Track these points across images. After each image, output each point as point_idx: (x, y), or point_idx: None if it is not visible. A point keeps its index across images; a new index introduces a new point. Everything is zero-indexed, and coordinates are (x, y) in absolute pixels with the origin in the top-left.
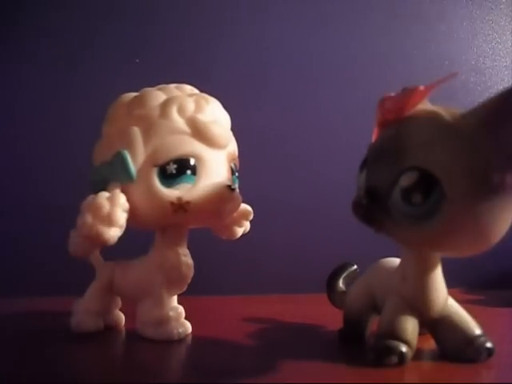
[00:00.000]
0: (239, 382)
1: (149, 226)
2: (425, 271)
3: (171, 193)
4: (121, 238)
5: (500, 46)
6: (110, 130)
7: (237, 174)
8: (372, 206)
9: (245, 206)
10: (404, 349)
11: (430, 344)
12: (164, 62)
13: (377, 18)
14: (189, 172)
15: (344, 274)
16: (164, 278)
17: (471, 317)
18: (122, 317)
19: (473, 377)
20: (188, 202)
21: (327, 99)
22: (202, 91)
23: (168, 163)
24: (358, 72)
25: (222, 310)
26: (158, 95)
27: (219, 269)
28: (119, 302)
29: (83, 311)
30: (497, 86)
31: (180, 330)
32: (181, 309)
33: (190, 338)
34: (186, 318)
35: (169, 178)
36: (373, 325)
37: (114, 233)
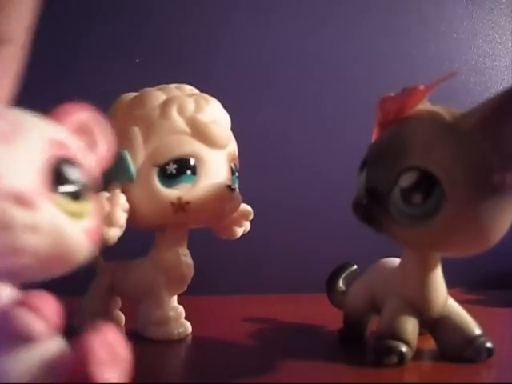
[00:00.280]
0: (239, 382)
1: (149, 226)
2: (425, 271)
3: (171, 193)
4: (121, 238)
5: (500, 46)
6: None
7: (237, 173)
8: (372, 206)
9: (245, 206)
10: (404, 349)
11: (430, 344)
12: (164, 62)
13: (377, 18)
14: (189, 172)
15: (344, 274)
16: (164, 278)
17: (471, 317)
18: (122, 317)
19: (473, 377)
20: (188, 202)
21: (327, 99)
22: (201, 91)
23: (168, 163)
24: (357, 72)
25: (222, 310)
26: (157, 95)
27: (219, 269)
28: (119, 302)
29: (84, 311)
30: (497, 86)
31: (180, 330)
32: (181, 309)
33: (189, 337)
34: (186, 318)
35: (169, 178)
36: (373, 325)
37: (114, 233)
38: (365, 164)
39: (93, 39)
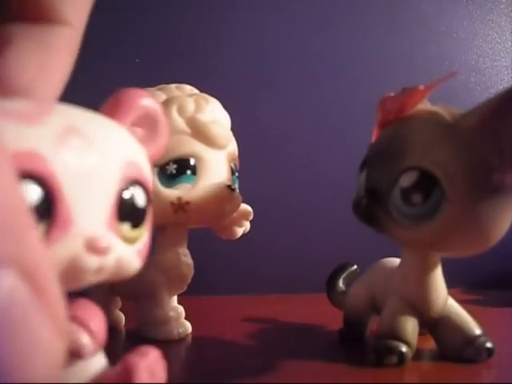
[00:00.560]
0: (239, 382)
1: None
2: (425, 271)
3: (171, 193)
4: None
5: (500, 46)
6: None
7: (237, 173)
8: (372, 206)
9: (245, 206)
10: (404, 349)
11: (430, 344)
12: (164, 62)
13: (377, 18)
14: (189, 172)
15: (344, 274)
16: (164, 278)
17: (471, 317)
18: (122, 317)
19: (473, 377)
20: (188, 202)
21: (327, 99)
22: (201, 91)
23: (168, 163)
24: (357, 72)
25: (222, 310)
26: (157, 95)
27: (219, 269)
28: (119, 302)
29: None
30: (497, 86)
31: (180, 330)
32: (181, 309)
33: (190, 337)
34: (186, 318)
35: (169, 178)
36: (373, 325)
37: None
38: (365, 164)
39: (93, 39)
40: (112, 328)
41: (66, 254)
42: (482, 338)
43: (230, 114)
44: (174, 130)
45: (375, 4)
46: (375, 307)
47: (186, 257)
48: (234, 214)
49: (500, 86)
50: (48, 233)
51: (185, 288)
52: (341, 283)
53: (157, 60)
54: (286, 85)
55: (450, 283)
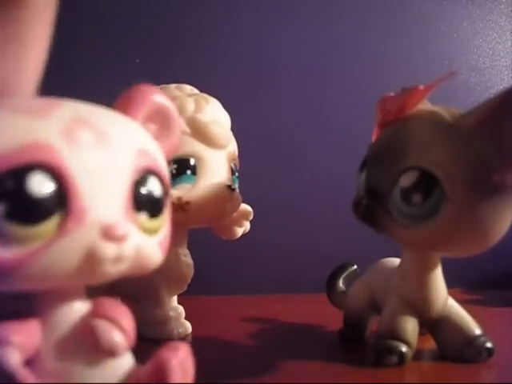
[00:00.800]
0: (239, 382)
1: None
2: (425, 271)
3: (171, 193)
4: None
5: (500, 46)
6: None
7: (237, 174)
8: (372, 206)
9: (245, 206)
10: (404, 349)
11: (430, 344)
12: (164, 61)
13: (377, 18)
14: (189, 172)
15: (344, 274)
16: (164, 277)
17: (471, 317)
18: None
19: (473, 377)
20: (188, 202)
21: (327, 99)
22: (201, 91)
23: (168, 163)
24: (357, 72)
25: (222, 310)
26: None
27: (219, 269)
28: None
29: None
30: (497, 86)
31: (180, 330)
32: (181, 309)
33: (190, 337)
34: (186, 318)
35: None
36: (373, 325)
37: None
38: (365, 164)
39: (93, 39)
40: None
41: (83, 243)
42: (482, 338)
43: (230, 114)
44: None
45: (375, 4)
46: (375, 307)
47: (185, 257)
48: (234, 214)
49: (500, 86)
50: (63, 223)
51: (185, 288)
52: (341, 283)
53: (157, 60)
54: (286, 85)
55: (450, 283)
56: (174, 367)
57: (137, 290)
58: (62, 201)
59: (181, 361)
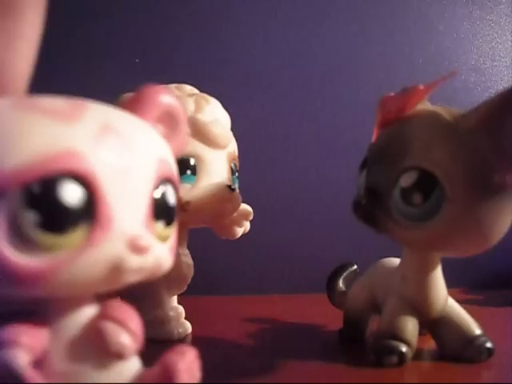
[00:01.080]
0: (239, 382)
1: None
2: (425, 271)
3: None
4: None
5: (500, 46)
6: None
7: (237, 174)
8: (372, 206)
9: (245, 206)
10: (404, 349)
11: (430, 344)
12: (164, 62)
13: (377, 18)
14: (189, 172)
15: (344, 274)
16: (164, 277)
17: (471, 317)
18: None
19: (473, 377)
20: (188, 202)
21: (327, 99)
22: (202, 91)
23: None
24: (357, 72)
25: (222, 310)
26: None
27: (219, 269)
28: None
29: None
30: (497, 86)
31: (180, 330)
32: (181, 309)
33: (189, 337)
34: (186, 318)
35: None
36: (373, 325)
37: None
38: (365, 164)
39: (93, 39)
40: None
41: (111, 254)
42: (482, 338)
43: (230, 114)
44: None
45: (375, 4)
46: (375, 307)
47: (185, 257)
48: (234, 214)
49: (500, 86)
50: (91, 233)
51: (185, 288)
52: (341, 283)
53: (157, 60)
54: (286, 85)
55: (450, 283)
56: (182, 371)
57: (137, 290)
58: (90, 210)
59: (188, 364)
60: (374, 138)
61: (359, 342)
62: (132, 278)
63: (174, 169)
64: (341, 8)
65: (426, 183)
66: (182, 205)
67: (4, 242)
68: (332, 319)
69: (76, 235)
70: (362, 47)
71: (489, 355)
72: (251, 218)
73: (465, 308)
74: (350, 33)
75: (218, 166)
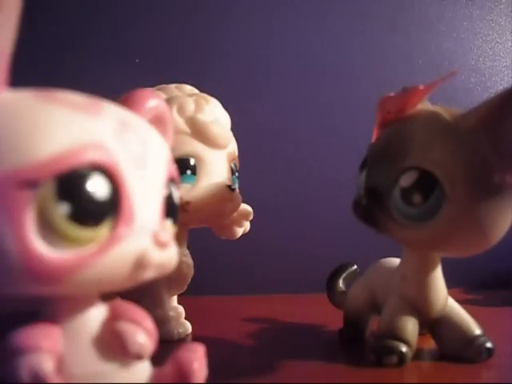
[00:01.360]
0: (239, 382)
1: None
2: (425, 271)
3: None
4: None
5: (500, 46)
6: None
7: (237, 174)
8: (372, 206)
9: (245, 206)
10: (404, 349)
11: (430, 344)
12: (164, 62)
13: (377, 18)
14: (189, 172)
15: (344, 274)
16: (164, 277)
17: (471, 317)
18: None
19: (473, 377)
20: (188, 202)
21: (327, 99)
22: (202, 91)
23: None
24: (357, 72)
25: (222, 310)
26: (157, 95)
27: (219, 269)
28: None
29: None
30: (497, 86)
31: (180, 330)
32: (181, 309)
33: (190, 337)
34: (186, 318)
35: None
36: (373, 325)
37: None
38: (365, 164)
39: (93, 39)
40: None
41: (135, 248)
42: (482, 338)
43: (230, 114)
44: (174, 130)
45: (375, 4)
46: (375, 307)
47: (186, 257)
48: (234, 214)
49: (500, 86)
50: (115, 227)
51: (185, 288)
52: (341, 283)
53: (157, 60)
54: (286, 85)
55: (450, 283)
56: (197, 370)
57: (137, 289)
58: (115, 203)
59: (200, 362)
60: (374, 138)
61: (359, 341)
62: (151, 274)
63: (175, 169)
64: (341, 8)
65: (426, 183)
66: (182, 205)
67: (33, 234)
68: (332, 319)
69: (102, 229)
70: (362, 47)
71: (489, 355)
72: (251, 218)
73: (465, 308)
74: (350, 33)
75: (217, 166)
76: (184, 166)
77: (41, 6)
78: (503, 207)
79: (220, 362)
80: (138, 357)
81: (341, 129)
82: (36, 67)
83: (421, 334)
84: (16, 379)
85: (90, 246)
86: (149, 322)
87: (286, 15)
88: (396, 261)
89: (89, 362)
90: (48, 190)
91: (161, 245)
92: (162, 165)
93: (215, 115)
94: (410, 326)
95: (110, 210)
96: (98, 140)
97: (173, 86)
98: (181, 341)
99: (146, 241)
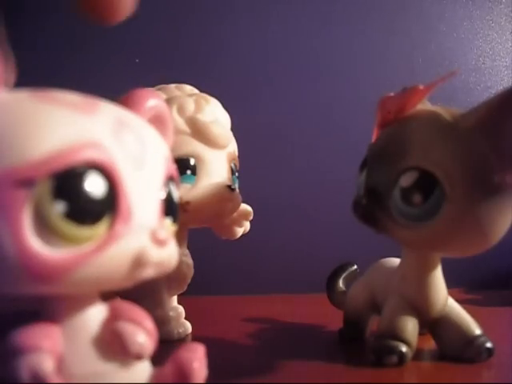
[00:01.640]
0: (239, 382)
1: None
2: (425, 271)
3: None
4: None
5: (500, 46)
6: None
7: (237, 174)
8: (372, 206)
9: (245, 206)
10: (404, 349)
11: (430, 344)
12: (164, 61)
13: (377, 18)
14: (189, 172)
15: (344, 274)
16: (164, 277)
17: (471, 317)
18: None
19: (473, 377)
20: (188, 202)
21: (327, 99)
22: (202, 91)
23: None
24: (358, 72)
25: (222, 310)
26: (157, 95)
27: (219, 269)
28: None
29: None
30: (497, 86)
31: (180, 330)
32: (181, 309)
33: (189, 337)
34: (186, 318)
35: None
36: (373, 325)
37: None
38: (365, 164)
39: (93, 39)
40: None
41: (133, 246)
42: (482, 338)
43: (230, 114)
44: (174, 130)
45: (375, 4)
46: (375, 307)
47: (186, 257)
48: (234, 214)
49: (500, 86)
50: (113, 225)
51: (185, 288)
52: (341, 283)
53: (157, 60)
54: (286, 85)
55: (450, 283)
56: (197, 369)
57: (136, 289)
58: (112, 202)
59: (200, 361)
60: (374, 138)
61: (359, 341)
62: (149, 273)
63: (174, 167)
64: (341, 8)
65: (426, 183)
66: (182, 205)
67: (30, 233)
68: (332, 319)
69: (100, 227)
70: (362, 47)
71: (489, 355)
72: (251, 218)
73: (465, 308)
74: (349, 32)
75: (217, 166)
76: (184, 166)
77: (41, 6)
78: (503, 207)
79: (220, 362)
80: (138, 357)
81: (341, 129)
82: (36, 67)
83: (421, 334)
84: (16, 379)
85: (88, 244)
86: (149, 322)
87: (285, 15)
88: (396, 261)
89: (89, 361)
90: (44, 188)
91: (159, 243)
92: (161, 163)
93: (215, 115)
94: (410, 326)
95: (108, 208)
96: (94, 139)
97: (173, 86)
98: (181, 341)
99: (145, 239)
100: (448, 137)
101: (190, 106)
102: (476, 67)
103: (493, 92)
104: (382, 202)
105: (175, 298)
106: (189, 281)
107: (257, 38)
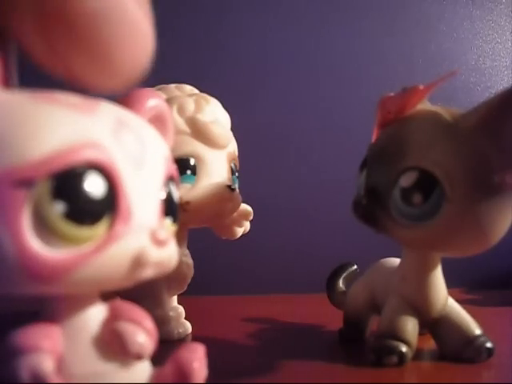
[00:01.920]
0: (239, 382)
1: None
2: (425, 271)
3: None
4: None
5: (500, 46)
6: None
7: (237, 174)
8: (372, 206)
9: (245, 206)
10: (404, 349)
11: (430, 344)
12: (164, 62)
13: (377, 18)
14: (189, 172)
15: (344, 274)
16: (164, 277)
17: (471, 317)
18: None
19: (473, 377)
20: (188, 202)
21: (327, 99)
22: (202, 91)
23: None
24: (358, 72)
25: (222, 310)
26: (157, 95)
27: (219, 269)
28: None
29: None
30: (497, 86)
31: (180, 330)
32: (181, 309)
33: (189, 337)
34: (186, 318)
35: None
36: (373, 325)
37: None
38: (365, 164)
39: None
40: None
41: (133, 246)
42: (482, 338)
43: (230, 114)
44: (174, 130)
45: (375, 4)
46: (375, 307)
47: (186, 257)
48: (234, 214)
49: (500, 86)
50: (112, 226)
51: (185, 288)
52: (341, 283)
53: (157, 60)
54: (286, 85)
55: (450, 283)
56: (197, 369)
57: (136, 289)
58: (112, 202)
59: (200, 361)
60: (374, 138)
61: (359, 341)
62: (149, 273)
63: (174, 167)
64: (341, 8)
65: (426, 183)
66: (182, 205)
67: (30, 233)
68: (332, 319)
69: (99, 228)
70: (362, 47)
71: (489, 355)
72: (251, 218)
73: (465, 308)
74: (349, 33)
75: (217, 166)
76: (184, 166)
77: None
78: (503, 207)
79: (220, 361)
80: (138, 357)
81: (341, 129)
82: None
83: (421, 333)
84: (16, 379)
85: (87, 244)
86: (149, 322)
87: (285, 15)
88: (396, 261)
89: (89, 361)
90: (44, 188)
91: (159, 243)
92: (160, 163)
93: (215, 115)
94: (410, 326)
95: (107, 208)
96: (94, 139)
97: (173, 86)
98: (181, 341)
99: (144, 239)
100: (448, 137)
101: (190, 106)
102: (476, 67)
103: (493, 92)
104: (382, 202)
105: (175, 298)
106: (189, 281)
107: (257, 38)
